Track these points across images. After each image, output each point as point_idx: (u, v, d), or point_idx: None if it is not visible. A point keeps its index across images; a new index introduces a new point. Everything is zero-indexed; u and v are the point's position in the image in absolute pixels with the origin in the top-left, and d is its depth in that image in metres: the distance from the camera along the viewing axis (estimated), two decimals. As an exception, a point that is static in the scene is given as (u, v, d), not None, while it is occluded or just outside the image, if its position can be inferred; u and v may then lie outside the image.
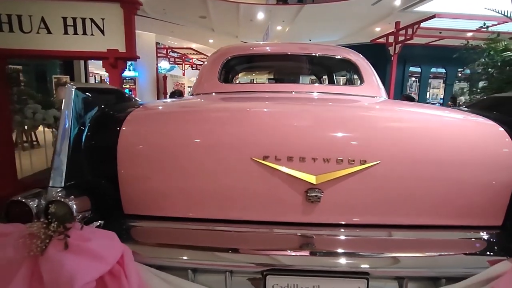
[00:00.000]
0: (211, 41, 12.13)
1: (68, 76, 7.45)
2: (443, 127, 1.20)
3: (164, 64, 13.11)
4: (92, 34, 3.02)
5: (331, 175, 1.10)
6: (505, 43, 2.70)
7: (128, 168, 1.15)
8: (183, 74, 14.95)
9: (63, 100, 1.18)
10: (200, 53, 13.93)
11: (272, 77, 2.61)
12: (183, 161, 1.14)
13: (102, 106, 1.29)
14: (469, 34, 8.92)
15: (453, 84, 12.35)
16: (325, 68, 2.37)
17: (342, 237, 1.12)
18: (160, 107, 1.53)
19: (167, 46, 12.89)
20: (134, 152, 1.15)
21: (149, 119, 1.25)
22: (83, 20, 3.00)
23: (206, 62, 2.47)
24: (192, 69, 17.32)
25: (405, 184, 1.12)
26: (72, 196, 1.03)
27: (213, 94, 2.09)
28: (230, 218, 1.16)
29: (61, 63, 9.05)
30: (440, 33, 8.53)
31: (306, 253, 1.08)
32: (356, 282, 1.05)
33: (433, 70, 12.73)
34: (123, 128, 1.16)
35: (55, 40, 3.00)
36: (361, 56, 2.33)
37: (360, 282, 1.04)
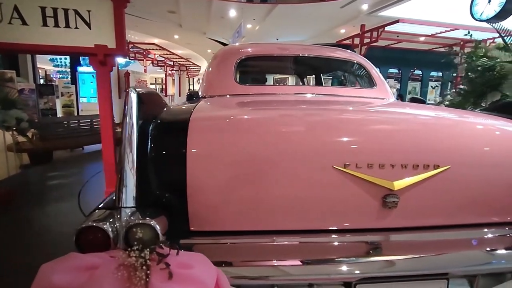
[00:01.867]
0: (176, 37, 11.67)
1: (14, 71, 6.61)
2: (498, 131, 1.28)
3: (119, 59, 12.22)
4: (76, 28, 2.72)
5: (409, 181, 1.12)
6: (484, 50, 2.98)
7: (198, 179, 1.05)
8: (145, 71, 14.18)
9: (125, 108, 1.03)
10: (164, 49, 13.34)
11: (285, 78, 2.57)
12: (259, 170, 1.08)
13: (163, 112, 1.16)
14: (422, 39, 9.82)
15: (407, 83, 13.48)
16: (337, 70, 2.41)
17: (420, 240, 1.15)
18: (220, 112, 1.41)
19: (128, 41, 12.12)
20: (204, 161, 1.06)
21: (219, 125, 1.16)
22: (65, 11, 2.68)
23: (214, 62, 2.35)
24: (153, 66, 16.53)
25: (473, 185, 1.18)
26: (153, 217, 0.91)
27: (228, 96, 2.00)
28: (308, 228, 1.13)
29: (2, 56, 7.99)
30: (398, 36, 9.21)
31: (392, 258, 1.08)
32: (438, 283, 1.08)
33: (390, 70, 13.70)
34: (190, 136, 1.06)
35: (31, 33, 2.64)
36: (366, 59, 2.42)
37: (441, 283, 1.08)
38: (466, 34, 3.08)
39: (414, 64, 13.43)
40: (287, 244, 1.10)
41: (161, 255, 0.82)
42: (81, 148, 6.37)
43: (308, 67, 2.38)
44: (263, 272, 1.02)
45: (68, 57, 11.39)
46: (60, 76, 15.63)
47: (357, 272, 1.03)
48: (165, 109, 1.28)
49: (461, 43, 9.37)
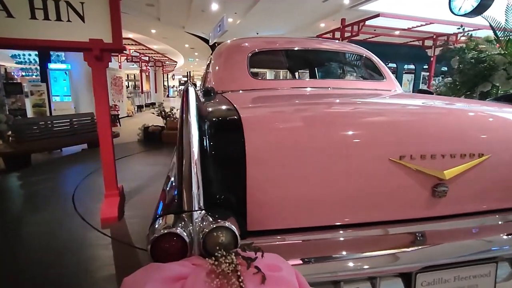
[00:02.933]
0: (153, 31, 11.25)
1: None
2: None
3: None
4: (69, 20, 2.54)
5: (458, 170, 1.15)
6: (474, 43, 3.14)
7: (257, 176, 1.02)
8: (120, 67, 13.58)
9: (182, 105, 0.97)
10: (140, 44, 12.83)
11: (296, 72, 2.55)
12: (316, 166, 1.07)
13: (219, 109, 1.11)
14: (397, 32, 10.17)
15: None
16: (348, 63, 2.43)
17: (469, 226, 1.19)
18: (269, 108, 1.37)
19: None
20: (263, 157, 1.04)
21: (273, 121, 1.13)
22: (56, 2, 2.49)
23: (222, 57, 2.29)
24: (128, 61, 15.87)
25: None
26: (226, 219, 0.87)
27: (240, 91, 1.96)
28: (364, 221, 1.13)
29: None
30: (375, 30, 9.48)
31: (446, 246, 1.12)
32: (488, 267, 1.13)
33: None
34: (248, 131, 1.02)
35: (18, 26, 2.42)
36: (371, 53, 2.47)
37: (491, 266, 1.13)
38: (459, 28, 3.21)
39: (390, 58, 13.87)
40: (346, 238, 1.10)
41: (249, 259, 0.78)
42: (60, 150, 6.01)
43: (320, 61, 2.38)
44: (329, 268, 1.02)
45: (34, 53, 10.66)
46: (25, 73, 14.58)
47: (417, 262, 1.06)
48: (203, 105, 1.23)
49: (434, 37, 9.83)
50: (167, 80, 31.03)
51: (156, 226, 0.84)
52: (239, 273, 0.73)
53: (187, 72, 30.93)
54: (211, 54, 3.09)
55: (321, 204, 1.08)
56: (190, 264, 0.77)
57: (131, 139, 6.71)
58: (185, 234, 0.80)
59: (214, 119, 1.08)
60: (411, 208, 1.17)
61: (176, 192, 0.94)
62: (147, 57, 17.03)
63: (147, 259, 0.82)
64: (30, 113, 7.99)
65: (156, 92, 18.87)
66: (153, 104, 17.00)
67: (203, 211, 0.88)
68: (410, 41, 10.45)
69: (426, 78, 13.49)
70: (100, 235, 2.47)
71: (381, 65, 2.44)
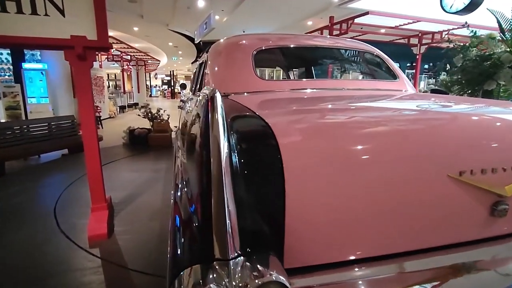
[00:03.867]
0: (136, 29, 10.79)
1: None
2: None
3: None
4: (46, 15, 2.24)
5: (521, 185, 1.00)
6: (476, 39, 3.06)
7: (298, 198, 0.83)
8: (100, 66, 12.99)
9: (207, 117, 0.76)
10: (121, 42, 12.31)
11: (304, 71, 2.36)
12: (367, 183, 0.88)
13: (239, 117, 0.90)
14: (382, 30, 10.21)
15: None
16: (361, 62, 2.27)
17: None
18: (301, 114, 1.17)
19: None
20: (303, 174, 0.84)
21: (310, 128, 0.93)
22: (31, -6, 2.18)
23: (221, 56, 2.08)
24: (108, 61, 15.25)
25: None
26: (269, 265, 0.67)
27: (245, 94, 1.76)
28: (423, 246, 0.96)
29: None
30: (362, 28, 9.47)
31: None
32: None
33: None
34: (283, 144, 0.82)
35: (-14, 21, 2.11)
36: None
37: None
38: (463, 25, 3.14)
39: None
40: (413, 269, 0.92)
41: None
42: (37, 156, 5.59)
43: (331, 60, 2.20)
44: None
45: (6, 52, 10.01)
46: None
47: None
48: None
49: (419, 35, 9.94)
50: (150, 80, 30.23)
51: (185, 284, 0.63)
52: None
53: (171, 71, 30.24)
54: (206, 51, 2.86)
55: (374, 229, 0.90)
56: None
57: (116, 142, 6.35)
58: (225, 294, 0.60)
59: (238, 131, 0.87)
60: (466, 229, 1.01)
61: (199, 230, 0.73)
62: (129, 56, 16.43)
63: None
64: (3, 117, 7.46)
65: (139, 92, 18.26)
66: (136, 104, 16.44)
67: (242, 257, 0.68)
68: (396, 39, 10.53)
69: (411, 76, 13.72)
70: (88, 256, 2.20)
71: (392, 64, 2.30)
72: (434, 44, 10.00)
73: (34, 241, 2.42)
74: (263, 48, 1.96)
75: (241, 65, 1.85)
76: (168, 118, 6.56)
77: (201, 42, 11.99)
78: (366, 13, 7.39)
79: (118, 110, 13.41)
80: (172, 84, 30.51)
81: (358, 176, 0.87)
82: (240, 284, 0.63)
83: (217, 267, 0.65)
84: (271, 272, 0.64)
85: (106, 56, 13.95)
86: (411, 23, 8.51)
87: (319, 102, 1.42)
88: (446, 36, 9.22)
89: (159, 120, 6.40)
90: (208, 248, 0.68)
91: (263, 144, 0.85)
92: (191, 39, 12.76)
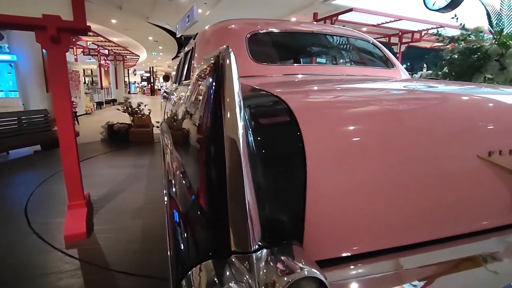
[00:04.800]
0: (114, 21, 10.33)
1: None
2: None
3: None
4: (14, -10, 2.00)
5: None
6: (465, 31, 3.08)
7: (320, 185, 0.72)
8: (76, 60, 12.34)
9: (218, 84, 0.62)
10: (98, 35, 11.75)
11: (302, 59, 2.26)
12: (389, 167, 0.78)
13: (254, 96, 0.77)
14: (364, 29, 10.35)
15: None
16: (356, 50, 2.19)
17: None
18: (317, 94, 1.05)
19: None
20: (326, 159, 0.73)
21: (331, 108, 0.82)
22: (-4, -34, 1.94)
23: (211, 42, 1.95)
24: (84, 55, 14.54)
25: None
26: (296, 258, 0.55)
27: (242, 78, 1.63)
28: (452, 234, 0.87)
29: None
30: (344, 25, 9.56)
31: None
32: None
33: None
34: (304, 125, 0.71)
35: None
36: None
37: None
38: (453, 17, 3.15)
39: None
40: (433, 261, 0.83)
41: None
42: (6, 153, 5.18)
43: (329, 46, 2.12)
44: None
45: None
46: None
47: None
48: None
49: (400, 33, 10.14)
50: (128, 76, 29.24)
51: (196, 284, 0.50)
52: None
53: (150, 68, 29.42)
54: (193, 38, 2.71)
55: (402, 216, 0.81)
56: None
57: (93, 138, 6.01)
58: (248, 293, 0.48)
59: (253, 110, 0.74)
60: (496, 214, 0.95)
61: (209, 222, 0.59)
62: (107, 50, 15.76)
63: None
64: (-34, 111, 6.88)
65: (117, 88, 17.59)
66: (114, 100, 15.82)
67: (264, 249, 0.55)
68: (377, 38, 10.71)
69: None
70: (65, 258, 1.99)
71: (388, 53, 2.26)
72: (413, 44, 10.25)
73: (2, 243, 2.18)
74: (259, 31, 1.84)
75: (234, 49, 1.72)
76: (149, 113, 6.29)
77: (182, 37, 11.67)
78: (350, 10, 7.42)
79: (95, 106, 12.83)
80: (152, 81, 29.69)
81: (386, 159, 0.77)
82: (265, 282, 0.51)
83: (235, 261, 0.53)
84: (302, 266, 0.53)
85: (82, 50, 13.29)
86: (392, 21, 8.65)
87: (331, 84, 1.32)
88: (436, 29, 9.48)
89: (140, 115, 6.12)
90: (222, 241, 0.55)
91: (280, 123, 0.74)
92: (172, 34, 12.40)
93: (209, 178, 0.63)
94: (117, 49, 16.18)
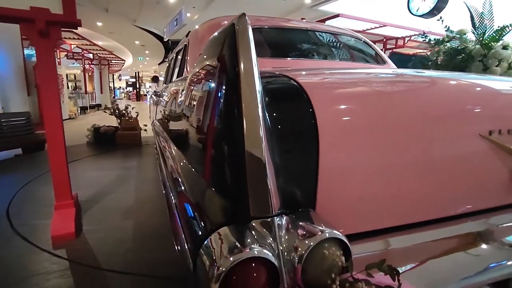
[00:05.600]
0: (99, 24, 10.16)
1: None
2: None
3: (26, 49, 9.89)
4: (-1, -20, 1.93)
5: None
6: (453, 34, 3.19)
7: (331, 160, 0.72)
8: (59, 63, 12.03)
9: (233, 52, 0.61)
10: (83, 38, 11.53)
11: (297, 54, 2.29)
12: (403, 144, 0.79)
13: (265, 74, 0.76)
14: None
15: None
16: (346, 47, 2.23)
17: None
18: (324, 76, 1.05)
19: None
20: (336, 136, 0.74)
21: (339, 87, 0.82)
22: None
23: (206, 36, 1.95)
24: (68, 58, 14.21)
25: None
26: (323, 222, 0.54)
27: None
28: (455, 213, 0.89)
29: None
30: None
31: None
32: None
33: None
34: (316, 101, 0.71)
35: None
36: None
37: None
38: (438, 20, 3.26)
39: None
40: (435, 239, 0.83)
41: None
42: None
43: (323, 43, 2.15)
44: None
45: None
46: None
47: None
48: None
49: (384, 39, 10.44)
50: (113, 81, 28.71)
51: (218, 246, 0.48)
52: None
53: (136, 73, 29.03)
54: (186, 36, 2.70)
55: (408, 194, 0.81)
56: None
57: (79, 142, 5.84)
58: (273, 256, 0.46)
59: (268, 86, 0.74)
60: (494, 194, 0.97)
61: (226, 188, 0.58)
62: (91, 54, 15.46)
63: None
64: None
65: (102, 93, 17.22)
66: (98, 105, 15.48)
67: (285, 216, 0.54)
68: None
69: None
70: (52, 259, 1.90)
71: (379, 50, 2.32)
72: (397, 50, 10.55)
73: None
74: (257, 26, 1.85)
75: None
76: (137, 116, 6.18)
77: (169, 41, 11.59)
78: (337, 15, 7.60)
79: (79, 110, 12.51)
80: (138, 86, 29.27)
81: (394, 136, 0.78)
82: (288, 247, 0.49)
83: (256, 226, 0.52)
84: (322, 228, 0.52)
85: (65, 53, 13.00)
86: (377, 27, 8.89)
87: (336, 70, 1.34)
88: (419, 35, 9.81)
89: (127, 118, 6.00)
90: (241, 206, 0.54)
91: (293, 98, 0.73)
92: (159, 38, 12.31)
93: (229, 145, 0.61)
94: (102, 53, 15.90)
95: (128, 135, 5.70)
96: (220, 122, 0.65)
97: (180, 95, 1.41)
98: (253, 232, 0.50)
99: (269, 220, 0.52)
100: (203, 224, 0.58)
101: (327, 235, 0.50)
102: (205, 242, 0.52)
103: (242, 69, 0.61)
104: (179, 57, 2.91)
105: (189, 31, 2.69)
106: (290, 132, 0.69)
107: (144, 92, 30.13)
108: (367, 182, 0.75)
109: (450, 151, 0.85)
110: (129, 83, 35.67)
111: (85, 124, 6.83)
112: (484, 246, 0.86)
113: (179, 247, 0.64)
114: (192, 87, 1.03)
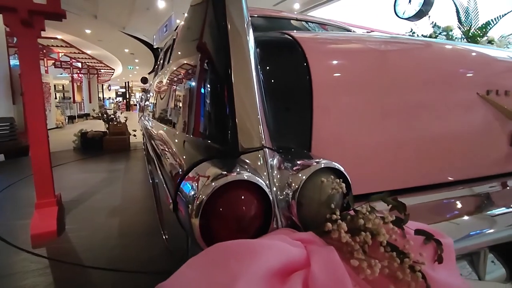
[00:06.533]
0: (88, 31, 10.08)
1: None
2: None
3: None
4: (-20, -32, 1.87)
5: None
6: (437, 29, 3.25)
7: (325, 118, 0.67)
8: (46, 71, 11.83)
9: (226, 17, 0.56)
10: (71, 46, 11.40)
11: None
12: (399, 103, 0.76)
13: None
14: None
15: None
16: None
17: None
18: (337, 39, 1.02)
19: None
20: (331, 92, 0.69)
21: (336, 43, 0.78)
22: None
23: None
24: (56, 67, 14.01)
25: None
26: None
27: None
28: (454, 179, 0.84)
29: None
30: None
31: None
32: None
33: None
34: (310, 55, 0.67)
35: None
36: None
37: None
38: (411, 31, 3.35)
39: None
40: (440, 201, 0.79)
41: (399, 221, 0.41)
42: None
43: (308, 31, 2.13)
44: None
45: None
46: None
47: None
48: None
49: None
50: (102, 91, 28.39)
51: (199, 176, 0.42)
52: (403, 253, 0.36)
53: (125, 83, 28.80)
54: (175, 29, 2.68)
55: (402, 156, 0.77)
56: (296, 241, 0.37)
57: (65, 148, 5.68)
58: (264, 183, 0.41)
59: (261, 39, 0.69)
60: (494, 160, 0.93)
61: (210, 126, 0.52)
62: (80, 63, 15.29)
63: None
64: None
65: (90, 102, 16.97)
66: (87, 115, 15.22)
67: (279, 154, 0.49)
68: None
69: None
70: (31, 258, 1.79)
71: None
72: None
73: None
74: (256, 16, 1.83)
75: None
76: (125, 121, 6.07)
77: (159, 49, 11.58)
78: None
79: (66, 120, 12.26)
80: (128, 96, 29.00)
81: (390, 98, 0.74)
82: (281, 183, 0.44)
83: (244, 159, 0.46)
84: (318, 160, 0.46)
85: (53, 62, 12.81)
86: (364, 33, 9.08)
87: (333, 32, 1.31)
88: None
89: (115, 123, 5.88)
90: (227, 141, 0.48)
91: (288, 51, 0.69)
92: (149, 46, 12.26)
93: (219, 88, 0.55)
94: (91, 62, 15.75)
95: (116, 140, 5.57)
96: (207, 62, 0.60)
97: (166, 70, 1.36)
98: (241, 163, 0.45)
99: (260, 152, 0.46)
100: (182, 164, 0.52)
101: (322, 164, 0.45)
102: (185, 177, 0.46)
103: (232, 17, 0.57)
104: (167, 55, 2.89)
105: (178, 25, 2.69)
106: (285, 82, 0.64)
107: (134, 102, 29.90)
108: (360, 145, 0.71)
109: (449, 112, 0.82)
110: (118, 93, 35.35)
111: (73, 133, 6.67)
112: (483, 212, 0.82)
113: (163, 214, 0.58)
114: (180, 46, 0.99)
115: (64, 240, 1.98)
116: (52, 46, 11.34)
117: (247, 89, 0.50)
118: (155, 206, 1.27)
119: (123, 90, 30.72)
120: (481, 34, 3.04)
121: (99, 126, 6.27)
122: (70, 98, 16.05)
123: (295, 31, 1.79)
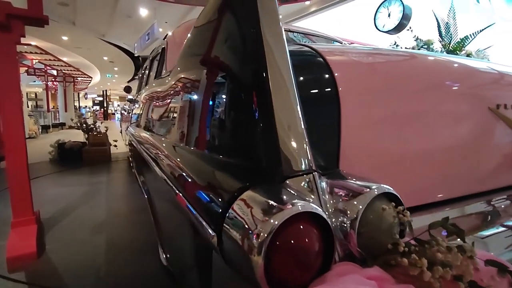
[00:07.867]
0: (65, 38, 9.73)
1: None
2: None
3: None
4: (-46, -32, 1.74)
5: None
6: (420, 41, 3.38)
7: (352, 124, 0.64)
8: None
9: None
10: (47, 53, 10.95)
11: None
12: (420, 119, 0.74)
13: None
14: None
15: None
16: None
17: None
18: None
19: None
20: (356, 104, 0.66)
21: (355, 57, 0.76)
22: None
23: (184, 36, 1.90)
24: (29, 75, 13.37)
25: None
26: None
27: None
28: (468, 192, 0.83)
29: None
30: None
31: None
32: None
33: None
34: (336, 68, 0.64)
35: None
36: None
37: None
38: (408, 29, 3.47)
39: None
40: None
41: (465, 252, 0.38)
42: None
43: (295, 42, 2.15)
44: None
45: None
46: None
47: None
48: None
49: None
50: (79, 100, 27.41)
51: (251, 208, 0.37)
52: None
53: (103, 91, 28.00)
54: (165, 38, 2.65)
55: (427, 172, 0.75)
56: (370, 280, 0.33)
57: (40, 159, 5.37)
58: (321, 211, 0.36)
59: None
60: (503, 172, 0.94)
61: (244, 146, 0.47)
62: (55, 71, 14.69)
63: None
64: None
65: (66, 111, 16.30)
66: (62, 124, 14.59)
67: (316, 172, 0.45)
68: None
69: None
70: (7, 283, 1.62)
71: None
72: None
73: None
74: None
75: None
76: (106, 131, 5.84)
77: (140, 58, 11.35)
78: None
79: (40, 129, 11.68)
80: (106, 105, 28.17)
81: (411, 111, 0.73)
82: (334, 209, 0.40)
83: (290, 184, 0.41)
84: (367, 184, 0.43)
85: (26, 69, 12.23)
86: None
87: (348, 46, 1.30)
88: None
89: (95, 133, 5.64)
90: (269, 165, 0.43)
91: (313, 66, 0.66)
92: (130, 54, 12.02)
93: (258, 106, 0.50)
94: (68, 70, 15.18)
95: (96, 151, 5.33)
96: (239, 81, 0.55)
97: (168, 86, 1.30)
98: (288, 189, 0.40)
99: (308, 176, 0.42)
100: (221, 196, 0.47)
101: (375, 191, 0.41)
102: (227, 214, 0.41)
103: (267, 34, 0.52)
104: (156, 61, 2.85)
105: (166, 34, 2.67)
106: (313, 97, 0.61)
107: (112, 111, 29.04)
108: (388, 159, 0.68)
109: (463, 126, 0.81)
110: (95, 101, 34.30)
111: (47, 143, 6.34)
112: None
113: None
114: (192, 56, 0.93)
115: (45, 262, 1.83)
116: (26, 52, 10.83)
117: (287, 104, 0.46)
118: (153, 222, 1.18)
119: (101, 98, 29.83)
120: (459, 48, 3.20)
121: (76, 136, 6.01)
122: (43, 106, 15.34)
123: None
